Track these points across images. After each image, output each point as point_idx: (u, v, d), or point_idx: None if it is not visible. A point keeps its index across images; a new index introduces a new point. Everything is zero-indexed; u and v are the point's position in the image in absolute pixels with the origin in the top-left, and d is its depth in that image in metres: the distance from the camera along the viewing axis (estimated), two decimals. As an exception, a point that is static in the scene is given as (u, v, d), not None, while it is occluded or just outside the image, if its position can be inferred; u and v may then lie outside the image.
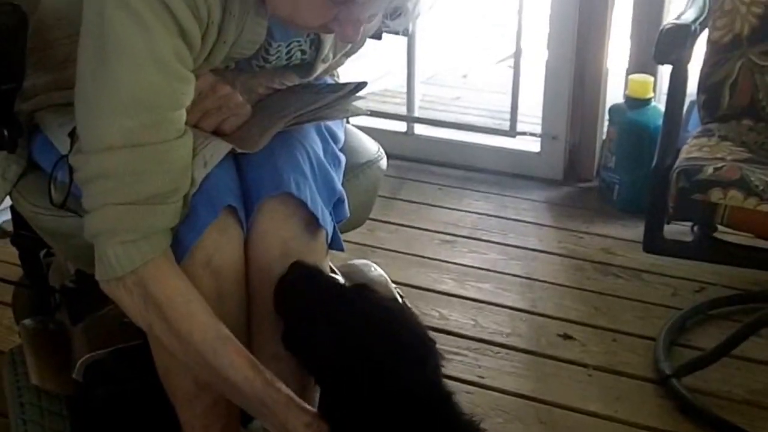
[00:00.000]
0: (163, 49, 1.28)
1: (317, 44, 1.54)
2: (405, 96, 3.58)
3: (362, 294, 1.33)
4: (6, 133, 1.48)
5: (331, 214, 1.46)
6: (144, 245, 1.31)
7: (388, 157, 1.75)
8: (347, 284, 1.40)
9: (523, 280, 2.67)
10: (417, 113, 3.59)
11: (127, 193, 1.30)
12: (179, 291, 1.33)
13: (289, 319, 1.35)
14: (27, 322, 1.78)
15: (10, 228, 1.88)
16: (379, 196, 1.74)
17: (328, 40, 1.54)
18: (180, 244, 1.34)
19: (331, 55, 1.58)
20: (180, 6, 1.27)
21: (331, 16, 1.32)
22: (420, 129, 3.58)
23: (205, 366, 1.32)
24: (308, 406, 1.32)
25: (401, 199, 3.19)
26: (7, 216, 1.85)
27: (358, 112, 1.52)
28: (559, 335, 2.37)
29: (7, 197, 1.60)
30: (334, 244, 1.48)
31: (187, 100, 1.34)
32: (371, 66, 3.77)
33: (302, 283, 1.34)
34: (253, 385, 1.31)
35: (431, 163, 3.46)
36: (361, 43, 1.61)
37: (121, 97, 1.28)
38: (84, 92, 1.32)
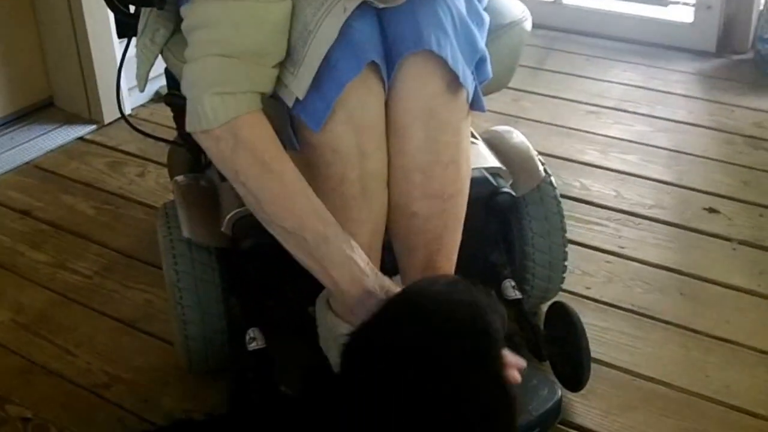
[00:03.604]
0: None
1: None
2: (554, -35, 3.50)
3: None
4: (156, -10, 1.51)
5: (473, 73, 1.45)
6: (242, 99, 1.33)
7: (535, 26, 1.72)
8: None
9: (670, 152, 2.61)
10: (566, -18, 3.51)
11: (226, 44, 1.33)
12: (273, 139, 1.35)
13: None
14: (179, 178, 1.84)
15: (165, 92, 1.94)
16: (525, 65, 1.72)
17: None
18: (322, 99, 1.35)
19: None
20: None
21: None
22: (568, -2, 3.52)
23: (291, 212, 1.34)
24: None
25: (547, 69, 3.12)
26: (164, 82, 1.90)
27: None
28: (705, 209, 2.33)
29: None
30: (476, 105, 1.48)
31: None
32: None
33: None
34: (338, 233, 1.34)
35: (579, 33, 3.38)
36: None
37: None
38: None
